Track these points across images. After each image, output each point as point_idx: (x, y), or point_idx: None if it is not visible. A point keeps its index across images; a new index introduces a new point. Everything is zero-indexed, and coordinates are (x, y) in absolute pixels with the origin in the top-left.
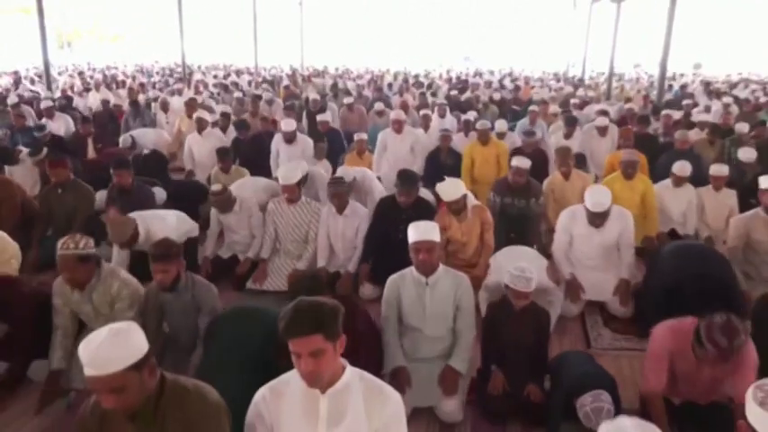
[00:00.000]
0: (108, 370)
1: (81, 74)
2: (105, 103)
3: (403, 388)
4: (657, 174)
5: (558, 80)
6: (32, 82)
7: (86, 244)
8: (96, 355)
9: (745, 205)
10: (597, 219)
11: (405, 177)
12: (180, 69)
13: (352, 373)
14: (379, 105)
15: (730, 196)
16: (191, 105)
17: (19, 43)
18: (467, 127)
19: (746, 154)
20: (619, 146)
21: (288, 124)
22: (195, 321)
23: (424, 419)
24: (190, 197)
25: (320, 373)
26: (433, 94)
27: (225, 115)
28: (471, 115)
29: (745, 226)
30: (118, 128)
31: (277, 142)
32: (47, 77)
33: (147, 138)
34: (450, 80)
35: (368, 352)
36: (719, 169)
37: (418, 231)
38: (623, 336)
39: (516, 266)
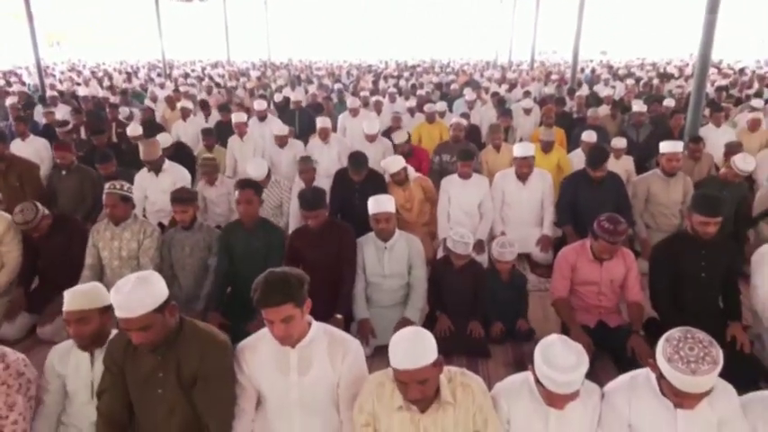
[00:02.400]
0: (137, 312)
1: (72, 69)
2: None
3: (367, 337)
4: (573, 143)
5: (488, 67)
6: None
7: (129, 188)
8: (127, 299)
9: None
10: (524, 166)
11: (355, 159)
12: (161, 65)
13: (317, 329)
14: (354, 102)
15: (628, 162)
16: (171, 99)
17: (12, 43)
18: (419, 107)
19: (589, 137)
20: (542, 122)
21: (259, 104)
22: (202, 259)
23: (385, 357)
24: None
25: (291, 334)
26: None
27: (204, 103)
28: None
29: (645, 183)
30: (106, 117)
31: (252, 122)
32: (39, 73)
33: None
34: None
35: (349, 265)
36: (618, 142)
37: (377, 204)
38: (546, 279)
39: (456, 232)
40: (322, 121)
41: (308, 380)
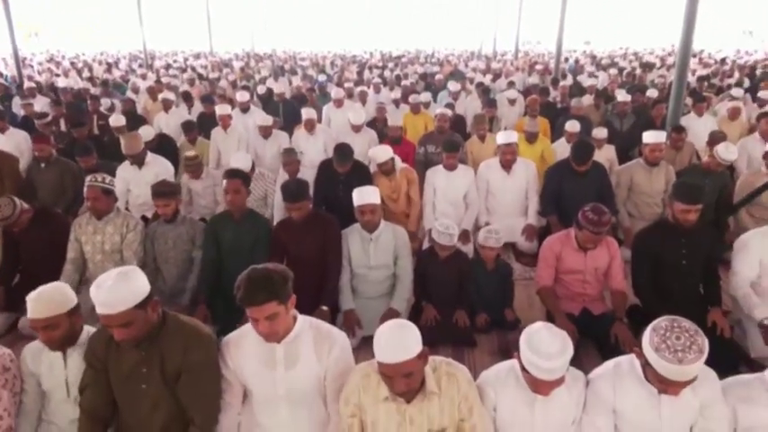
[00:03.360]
0: (117, 309)
1: (51, 60)
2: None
3: (353, 328)
4: (556, 133)
5: (473, 58)
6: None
7: (110, 181)
8: (107, 296)
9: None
10: (508, 152)
11: (340, 151)
12: (142, 56)
13: (302, 322)
14: (338, 93)
15: (610, 151)
16: (153, 90)
17: None
18: (404, 98)
19: (573, 126)
20: (526, 113)
21: (242, 96)
22: (185, 252)
23: (372, 347)
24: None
25: (276, 331)
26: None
27: (186, 94)
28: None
29: (629, 172)
30: (87, 109)
31: (236, 114)
32: (16, 64)
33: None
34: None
35: (334, 257)
36: (599, 132)
37: (362, 196)
38: (531, 268)
39: (441, 223)
40: (307, 113)
41: (294, 374)
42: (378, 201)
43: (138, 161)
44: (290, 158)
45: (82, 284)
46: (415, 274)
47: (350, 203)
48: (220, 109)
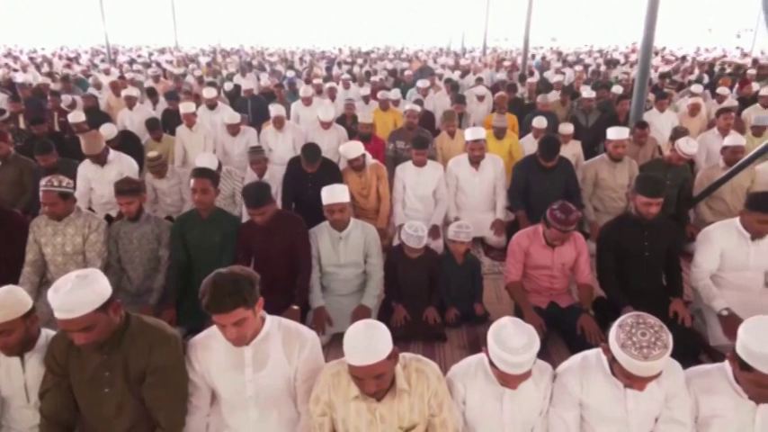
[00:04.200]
0: (77, 313)
1: (8, 55)
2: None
3: (323, 325)
4: (524, 129)
5: (441, 54)
6: None
7: (67, 183)
8: (66, 300)
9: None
10: (476, 149)
11: (308, 151)
12: (105, 50)
13: (271, 323)
14: (306, 91)
15: (576, 146)
16: (116, 86)
17: None
18: (373, 94)
19: (539, 123)
20: (494, 109)
21: (209, 92)
22: (151, 252)
23: (342, 344)
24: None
25: (245, 335)
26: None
27: (151, 90)
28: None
29: (593, 168)
30: (47, 105)
31: (202, 111)
32: None
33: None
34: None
35: (303, 256)
36: (565, 128)
37: (331, 195)
38: (500, 262)
39: (410, 225)
40: (276, 109)
41: (263, 375)
42: (347, 199)
43: (100, 160)
44: (257, 157)
45: (43, 285)
46: (386, 271)
47: (319, 202)
48: (184, 107)
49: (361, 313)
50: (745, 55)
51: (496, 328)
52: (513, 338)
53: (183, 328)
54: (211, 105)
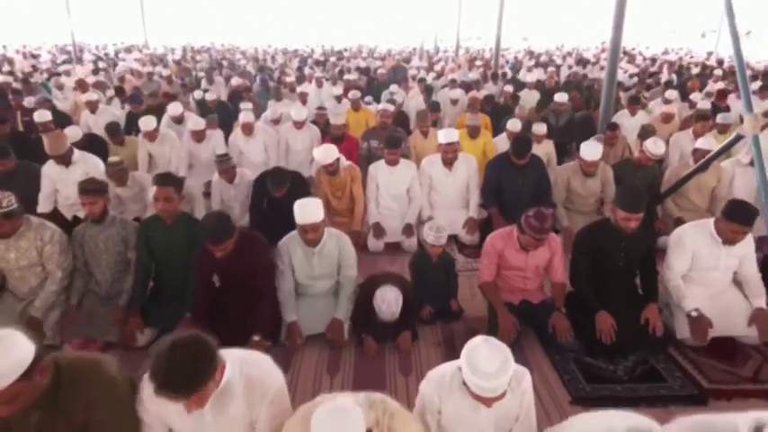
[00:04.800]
0: None
1: None
2: None
3: (295, 341)
4: (499, 130)
5: (415, 53)
6: None
7: (9, 202)
8: None
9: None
10: (449, 151)
11: (275, 178)
12: (70, 48)
13: (232, 370)
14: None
15: (549, 146)
16: (82, 84)
17: None
18: (346, 92)
19: (514, 125)
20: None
21: (174, 109)
22: (119, 254)
23: (317, 344)
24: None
25: (205, 404)
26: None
27: (119, 89)
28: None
29: (565, 176)
30: (9, 106)
31: (167, 122)
32: None
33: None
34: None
35: (267, 280)
36: (538, 128)
37: (304, 214)
38: (473, 259)
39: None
40: (245, 116)
41: (224, 419)
42: (321, 217)
43: (65, 161)
44: (225, 166)
45: (4, 291)
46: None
47: (290, 221)
48: (144, 124)
49: (334, 327)
50: (710, 53)
51: (469, 351)
52: (485, 362)
53: (154, 330)
54: (178, 120)
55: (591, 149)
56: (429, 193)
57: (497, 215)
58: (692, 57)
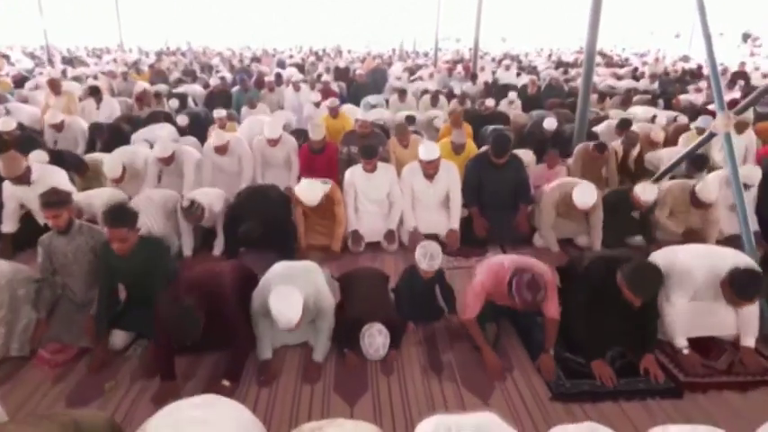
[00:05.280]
0: None
1: None
2: None
3: (270, 380)
4: (481, 140)
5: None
6: None
7: None
8: None
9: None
10: (430, 168)
11: (247, 228)
12: (39, 53)
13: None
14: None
15: (527, 153)
16: (54, 84)
17: None
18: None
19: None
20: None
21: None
22: (89, 263)
23: (297, 353)
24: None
25: None
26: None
27: (94, 89)
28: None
29: (554, 204)
30: None
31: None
32: None
33: (22, 112)
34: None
35: (240, 330)
36: (525, 156)
37: (284, 319)
38: (454, 258)
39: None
40: (217, 137)
41: None
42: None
43: (23, 182)
44: (192, 216)
45: None
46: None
47: (268, 242)
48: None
49: (312, 371)
50: (686, 57)
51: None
52: None
53: (131, 334)
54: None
55: (583, 198)
56: (411, 201)
57: (477, 214)
58: (664, 57)
